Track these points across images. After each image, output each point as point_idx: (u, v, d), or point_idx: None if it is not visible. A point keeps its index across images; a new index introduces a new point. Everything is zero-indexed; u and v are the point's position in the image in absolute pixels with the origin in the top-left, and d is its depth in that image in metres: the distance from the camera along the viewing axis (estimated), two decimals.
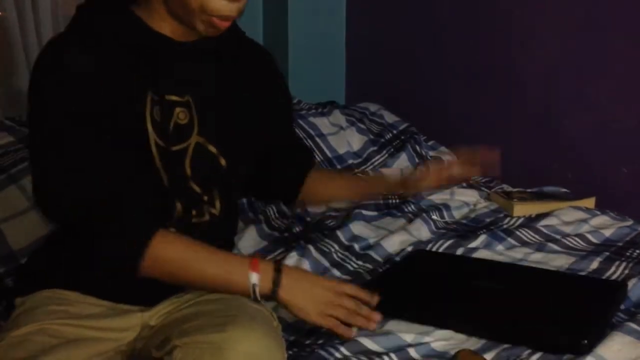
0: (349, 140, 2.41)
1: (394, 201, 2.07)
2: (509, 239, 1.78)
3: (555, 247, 1.75)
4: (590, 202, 2.03)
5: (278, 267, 1.20)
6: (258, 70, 1.33)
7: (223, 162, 1.24)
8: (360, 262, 1.70)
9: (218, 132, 1.23)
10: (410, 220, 1.91)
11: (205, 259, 1.18)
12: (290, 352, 1.24)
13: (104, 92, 1.13)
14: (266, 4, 2.86)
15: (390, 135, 2.48)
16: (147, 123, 1.15)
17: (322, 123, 2.42)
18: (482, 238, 1.77)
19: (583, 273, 1.58)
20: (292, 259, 1.66)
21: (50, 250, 1.28)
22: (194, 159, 1.21)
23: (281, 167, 1.43)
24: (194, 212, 1.24)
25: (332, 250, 1.74)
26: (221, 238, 1.31)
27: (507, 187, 2.20)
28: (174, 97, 1.18)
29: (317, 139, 2.36)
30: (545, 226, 1.86)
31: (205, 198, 1.25)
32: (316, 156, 1.64)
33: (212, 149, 1.23)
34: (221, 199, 1.27)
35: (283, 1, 2.78)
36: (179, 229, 1.21)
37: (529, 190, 2.14)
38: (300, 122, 2.38)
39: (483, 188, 2.19)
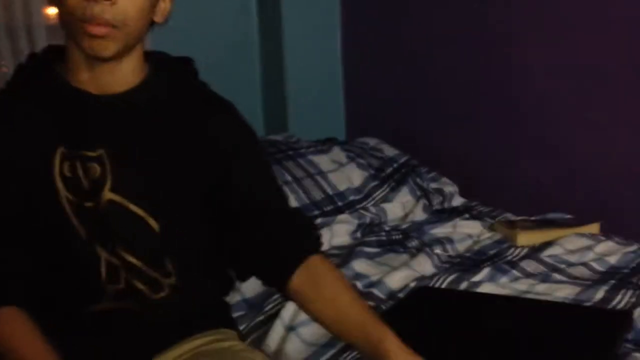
0: (349, 177, 2.40)
1: (396, 236, 2.06)
2: (514, 271, 1.76)
3: (560, 277, 1.73)
4: (595, 228, 2.01)
5: None
6: (208, 125, 1.20)
7: (154, 224, 1.15)
8: None
9: (142, 191, 1.15)
10: (413, 256, 1.89)
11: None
12: None
13: (6, 151, 1.14)
14: (263, 43, 2.88)
15: (391, 169, 2.47)
16: (56, 178, 1.13)
17: (322, 160, 2.41)
18: (485, 271, 1.75)
19: (589, 303, 1.56)
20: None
21: None
22: (117, 221, 1.14)
23: (260, 240, 1.21)
24: (141, 287, 1.16)
25: None
26: (199, 308, 1.24)
27: (511, 216, 2.19)
28: (85, 152, 1.14)
29: (317, 177, 2.35)
30: (550, 256, 1.84)
31: (152, 269, 1.17)
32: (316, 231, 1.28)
33: (136, 209, 1.14)
34: (180, 269, 1.18)
35: (279, 40, 2.80)
36: (134, 307, 1.16)
37: (532, 218, 2.12)
38: (300, 160, 2.38)
39: (486, 218, 2.18)
